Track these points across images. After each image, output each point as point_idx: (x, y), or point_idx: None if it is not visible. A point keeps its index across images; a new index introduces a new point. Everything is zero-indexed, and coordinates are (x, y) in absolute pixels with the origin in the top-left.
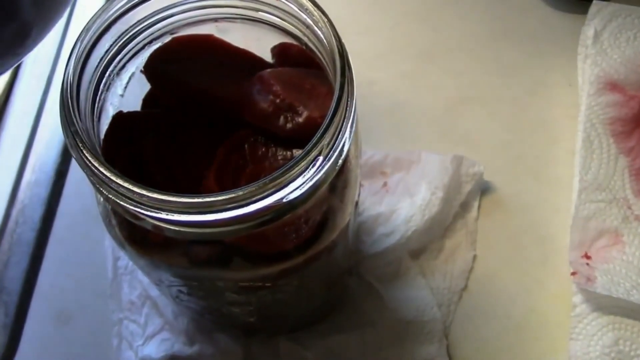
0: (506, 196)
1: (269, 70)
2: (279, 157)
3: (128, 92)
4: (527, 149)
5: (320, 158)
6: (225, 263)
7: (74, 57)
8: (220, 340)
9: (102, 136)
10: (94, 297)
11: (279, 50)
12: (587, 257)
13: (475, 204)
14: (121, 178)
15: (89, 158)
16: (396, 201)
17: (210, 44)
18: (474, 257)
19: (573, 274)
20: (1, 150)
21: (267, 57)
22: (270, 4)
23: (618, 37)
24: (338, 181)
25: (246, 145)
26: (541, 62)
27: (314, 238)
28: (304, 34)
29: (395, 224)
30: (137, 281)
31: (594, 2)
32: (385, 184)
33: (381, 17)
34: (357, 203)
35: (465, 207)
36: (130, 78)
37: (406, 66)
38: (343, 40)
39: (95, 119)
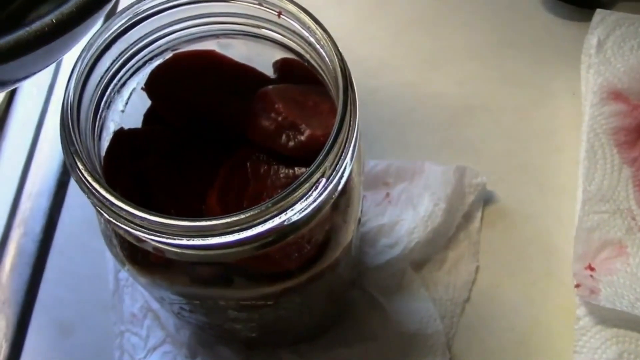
0: (509, 206)
1: (271, 87)
2: (282, 176)
3: (129, 107)
4: (530, 158)
5: (323, 180)
6: (227, 283)
7: (74, 77)
8: (222, 353)
9: (102, 153)
10: (96, 308)
11: (281, 65)
12: (591, 268)
13: (478, 214)
14: (122, 201)
15: (89, 180)
16: (399, 212)
17: (211, 59)
18: (477, 268)
19: (577, 286)
20: (2, 161)
21: (269, 71)
22: (271, 21)
23: (622, 46)
24: (341, 200)
25: (248, 164)
26: (545, 71)
27: (317, 257)
28: (306, 51)
29: (398, 235)
30: (138, 293)
31: (597, 10)
32: (388, 195)
33: (384, 25)
34: (359, 220)
35: (468, 218)
36: (131, 94)
37: (409, 75)
38: (346, 48)
39: (96, 137)
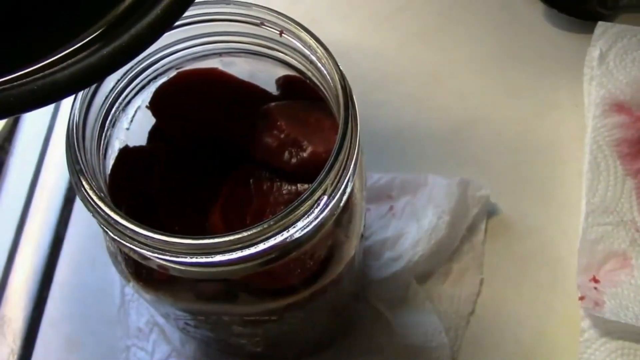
0: (513, 219)
1: (273, 104)
2: (284, 192)
3: (134, 125)
4: (534, 170)
5: (325, 197)
6: (232, 299)
7: (80, 96)
8: None
9: (108, 170)
10: (102, 323)
11: (284, 82)
12: (596, 280)
13: (482, 227)
14: (126, 219)
15: (94, 199)
16: (403, 225)
17: (215, 77)
18: (481, 280)
19: (581, 298)
20: (10, 176)
21: (272, 88)
22: (273, 39)
23: (624, 58)
24: (343, 216)
25: (251, 180)
26: (547, 83)
27: (320, 273)
28: (307, 69)
29: (402, 248)
30: (144, 308)
31: (599, 23)
32: (391, 208)
33: (388, 39)
34: (362, 235)
35: (472, 230)
36: (136, 112)
37: (413, 88)
38: (350, 62)
39: (101, 155)
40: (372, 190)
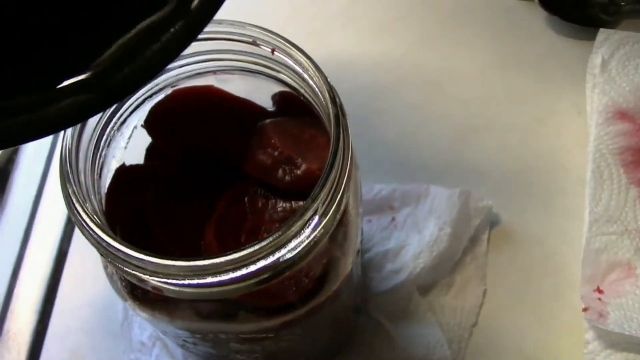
0: (516, 228)
1: (268, 121)
2: (279, 209)
3: (132, 142)
4: (536, 179)
5: (316, 217)
6: (228, 317)
7: None
8: None
9: (105, 187)
10: (106, 337)
11: (279, 99)
12: (600, 291)
13: (485, 237)
14: (118, 242)
15: (86, 221)
16: (405, 237)
17: (210, 94)
18: (484, 291)
19: (585, 309)
20: (14, 192)
21: (268, 104)
22: (266, 57)
23: (626, 65)
24: (338, 233)
25: (246, 198)
26: (550, 90)
27: (317, 289)
28: (300, 86)
29: (403, 260)
30: (147, 322)
31: (600, 30)
32: (393, 219)
33: (388, 47)
34: (359, 250)
35: (474, 241)
36: (132, 131)
37: (414, 96)
38: (350, 71)
39: (96, 175)
40: (373, 202)
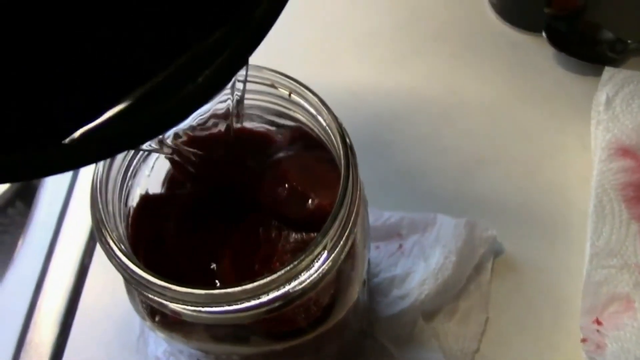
0: (519, 259)
1: (283, 155)
2: (292, 241)
3: (154, 171)
4: (540, 211)
5: (325, 253)
6: (240, 340)
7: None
8: None
9: (130, 214)
10: (123, 350)
11: (294, 134)
12: (599, 323)
13: (489, 266)
14: (141, 269)
15: (113, 249)
16: (411, 264)
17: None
18: (487, 319)
19: (583, 340)
20: (40, 207)
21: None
22: (283, 98)
23: (630, 104)
24: (346, 265)
25: (261, 228)
26: (556, 125)
27: (324, 317)
28: (314, 125)
29: (409, 287)
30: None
31: (606, 68)
32: (400, 246)
33: (400, 80)
34: (365, 281)
35: (478, 269)
36: (155, 160)
37: (423, 128)
38: (364, 102)
39: (122, 203)
40: (382, 229)
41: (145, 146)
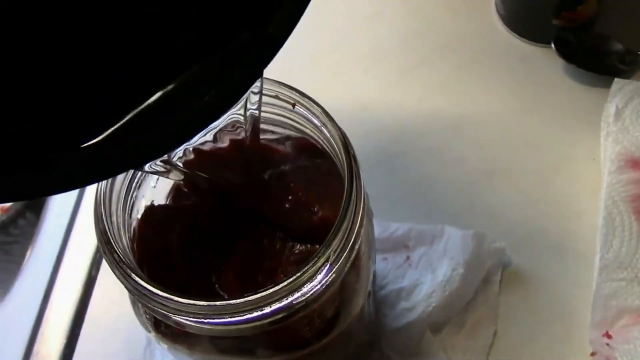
0: (528, 271)
1: (288, 168)
2: (296, 252)
3: (159, 182)
4: (549, 223)
5: (328, 264)
6: (244, 352)
7: None
8: None
9: (135, 225)
10: None
11: (298, 145)
12: (608, 336)
13: (497, 278)
14: (146, 281)
15: (117, 261)
16: (418, 276)
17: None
18: (495, 332)
19: (592, 354)
20: (48, 219)
21: (288, 150)
22: (287, 109)
23: (639, 115)
24: (350, 276)
25: (265, 240)
26: (566, 137)
27: (328, 328)
28: (317, 136)
29: (416, 299)
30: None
31: (615, 80)
32: (408, 258)
33: (408, 92)
34: (370, 292)
35: (486, 282)
36: None
37: (432, 140)
38: (372, 114)
39: (127, 215)
40: (389, 241)
41: (147, 167)
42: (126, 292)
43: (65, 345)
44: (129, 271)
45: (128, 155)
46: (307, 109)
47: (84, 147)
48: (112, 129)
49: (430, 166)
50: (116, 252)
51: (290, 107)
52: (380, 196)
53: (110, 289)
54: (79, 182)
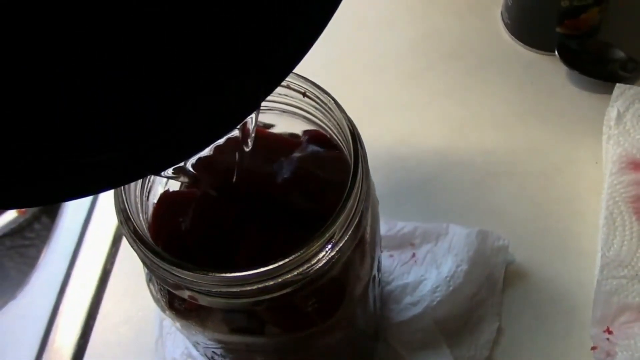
0: (531, 268)
1: (298, 154)
2: (305, 236)
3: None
4: (552, 223)
5: (332, 241)
6: (254, 330)
7: None
8: None
9: (151, 208)
10: (142, 352)
11: (310, 135)
12: (609, 332)
13: (501, 275)
14: (162, 253)
15: (135, 235)
16: (423, 272)
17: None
18: (498, 327)
19: (593, 348)
20: (65, 214)
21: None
22: (298, 99)
23: None
24: (354, 258)
25: (276, 224)
26: (569, 140)
27: (333, 309)
28: (325, 124)
29: (421, 293)
30: (180, 340)
31: (617, 85)
32: (413, 255)
33: (416, 95)
34: (375, 278)
35: (490, 278)
36: None
37: (438, 142)
38: (379, 116)
39: (144, 198)
40: (395, 238)
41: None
42: (139, 286)
43: (80, 336)
44: (147, 243)
45: (144, 164)
46: (317, 96)
47: (102, 156)
48: (130, 140)
49: (436, 167)
50: (136, 226)
51: (300, 96)
52: (387, 196)
53: (124, 283)
54: (94, 189)
